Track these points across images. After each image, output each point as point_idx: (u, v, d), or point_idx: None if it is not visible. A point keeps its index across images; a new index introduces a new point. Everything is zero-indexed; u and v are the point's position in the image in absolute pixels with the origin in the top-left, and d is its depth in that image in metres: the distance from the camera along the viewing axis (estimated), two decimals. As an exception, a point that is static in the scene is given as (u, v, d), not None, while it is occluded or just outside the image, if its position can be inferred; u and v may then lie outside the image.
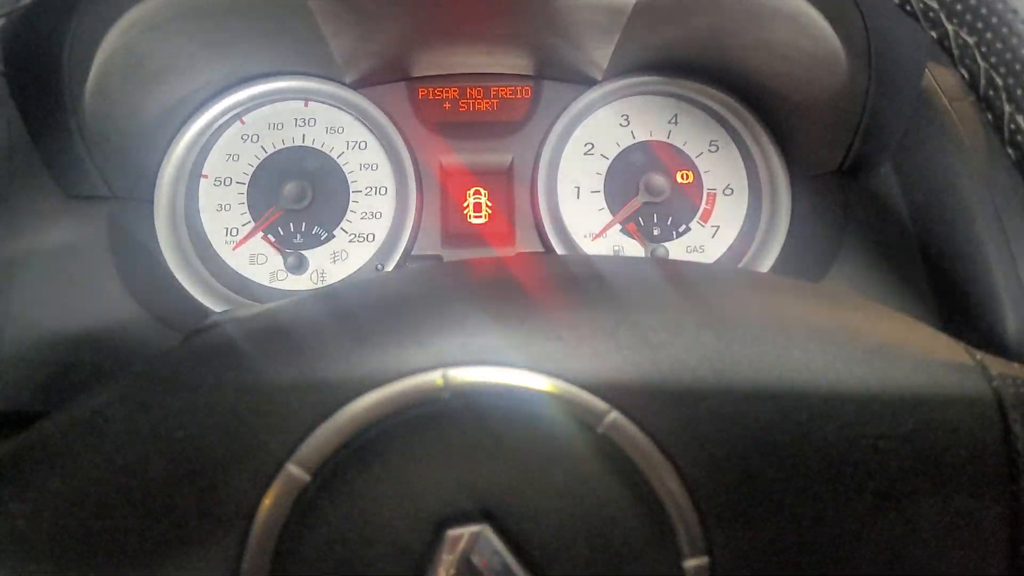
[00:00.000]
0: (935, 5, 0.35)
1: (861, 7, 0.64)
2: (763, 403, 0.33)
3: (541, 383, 0.32)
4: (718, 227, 0.83)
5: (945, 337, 0.37)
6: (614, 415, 0.32)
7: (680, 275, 0.39)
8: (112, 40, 0.64)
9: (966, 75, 0.36)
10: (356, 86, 0.80)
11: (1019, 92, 0.34)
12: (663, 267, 0.40)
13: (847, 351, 0.34)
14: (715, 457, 0.32)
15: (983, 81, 0.35)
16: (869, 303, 0.39)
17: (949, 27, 0.35)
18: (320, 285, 0.81)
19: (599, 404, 0.32)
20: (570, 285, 0.36)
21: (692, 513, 0.32)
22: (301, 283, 0.81)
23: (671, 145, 0.83)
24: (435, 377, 0.32)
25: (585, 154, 0.83)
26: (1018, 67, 0.34)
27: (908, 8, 0.36)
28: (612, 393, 0.32)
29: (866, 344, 0.35)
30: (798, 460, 0.33)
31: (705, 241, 0.83)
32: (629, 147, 0.83)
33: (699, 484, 0.32)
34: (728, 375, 0.33)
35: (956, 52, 0.36)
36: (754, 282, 0.40)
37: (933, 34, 0.36)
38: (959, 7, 0.35)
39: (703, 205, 0.83)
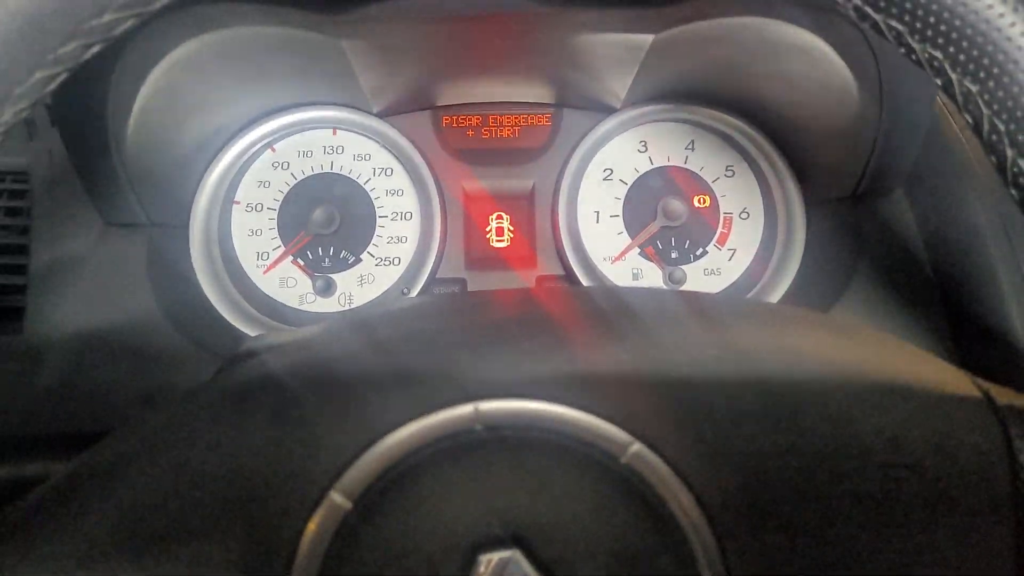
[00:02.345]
0: (939, 55, 0.37)
1: (871, 42, 0.66)
2: (779, 434, 0.34)
3: (567, 416, 0.33)
4: (734, 250, 0.84)
5: (951, 368, 0.39)
6: (637, 446, 0.33)
7: (699, 308, 0.41)
8: (155, 78, 0.67)
9: (970, 120, 0.38)
10: (383, 115, 0.82)
11: (1020, 137, 0.36)
12: (683, 300, 0.42)
13: (858, 384, 0.36)
14: (733, 485, 0.34)
15: (986, 126, 0.37)
16: (879, 334, 0.40)
17: (953, 76, 0.37)
18: (348, 308, 0.83)
19: (622, 436, 0.33)
20: (594, 319, 0.38)
21: (711, 539, 0.33)
22: (329, 306, 0.83)
23: (688, 170, 0.84)
24: (467, 410, 0.34)
25: (604, 179, 0.84)
26: (1019, 114, 0.36)
27: (914, 58, 0.38)
28: (635, 425, 0.34)
29: (875, 376, 0.36)
30: (814, 488, 0.34)
31: (722, 264, 0.84)
32: (647, 172, 0.84)
33: (717, 511, 0.33)
34: (745, 407, 0.35)
35: (960, 99, 0.38)
36: (772, 315, 0.42)
37: (938, 81, 0.38)
38: (962, 58, 0.37)
39: (720, 229, 0.84)
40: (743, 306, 0.45)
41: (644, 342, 0.36)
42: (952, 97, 0.38)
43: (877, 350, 0.39)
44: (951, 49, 0.36)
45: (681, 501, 0.33)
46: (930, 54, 0.37)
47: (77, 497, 0.34)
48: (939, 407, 0.36)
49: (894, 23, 0.37)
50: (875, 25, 0.38)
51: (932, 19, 0.36)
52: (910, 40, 0.37)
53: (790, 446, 0.34)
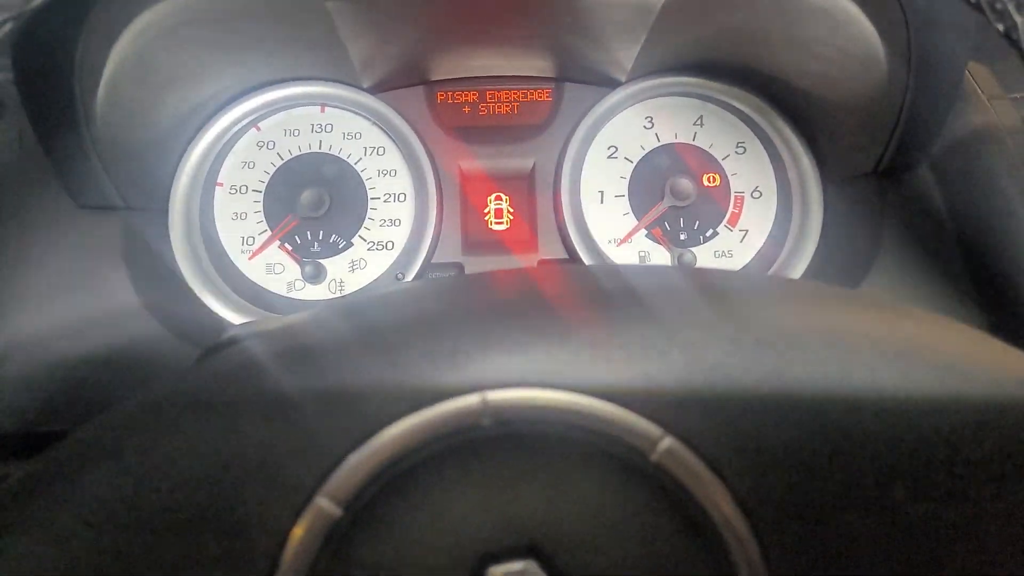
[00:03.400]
0: (1005, -5, 0.33)
1: (902, 1, 0.61)
2: (827, 423, 0.31)
3: (590, 407, 0.30)
4: (747, 231, 0.81)
5: (1018, 352, 0.35)
6: (669, 441, 0.29)
7: (731, 287, 0.36)
8: (124, 46, 0.63)
9: (1037, 70, 0.34)
10: (374, 91, 0.79)
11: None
12: (712, 278, 0.38)
13: (916, 368, 0.32)
14: (777, 484, 0.30)
15: (1056, 77, 0.33)
16: (934, 315, 0.36)
17: (1019, 19, 0.33)
18: (338, 295, 0.79)
19: (653, 429, 0.29)
20: (617, 300, 0.34)
21: (755, 548, 0.29)
22: (319, 293, 0.79)
23: (697, 147, 0.81)
24: (473, 401, 0.30)
25: (609, 158, 0.81)
26: (1096, 61, 0.32)
27: (973, 0, 0.34)
28: (667, 418, 0.30)
29: (937, 359, 0.32)
30: (866, 484, 0.30)
31: (733, 246, 0.81)
32: (654, 150, 0.81)
33: (761, 516, 0.30)
34: (790, 394, 0.31)
35: (1026, 46, 0.33)
36: (811, 293, 0.38)
37: (1000, 26, 0.34)
38: (1031, -3, 0.32)
39: (731, 209, 0.81)
40: (783, 284, 0.41)
41: (675, 323, 0.32)
42: (1015, 43, 0.34)
43: (935, 332, 0.34)
44: (1019, -13, 0.32)
45: (720, 504, 0.30)
46: (994, -6, 0.33)
47: (36, 498, 0.31)
48: (1011, 393, 0.32)
49: (953, -41, 0.33)
50: (930, -38, 0.34)
51: (1001, -50, 0.32)
52: (971, -22, 0.33)
53: (841, 441, 0.31)
